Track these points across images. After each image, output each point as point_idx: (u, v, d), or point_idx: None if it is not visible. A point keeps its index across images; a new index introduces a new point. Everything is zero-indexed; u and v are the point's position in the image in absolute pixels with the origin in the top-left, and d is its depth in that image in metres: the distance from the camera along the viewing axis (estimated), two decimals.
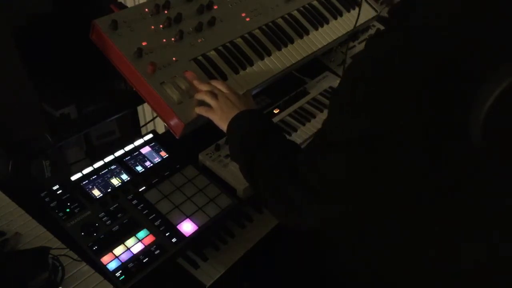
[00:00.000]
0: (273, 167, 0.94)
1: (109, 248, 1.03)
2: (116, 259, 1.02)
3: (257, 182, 0.98)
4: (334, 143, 0.83)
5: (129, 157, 1.23)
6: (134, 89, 1.19)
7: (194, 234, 1.10)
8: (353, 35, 1.65)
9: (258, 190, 0.99)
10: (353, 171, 0.81)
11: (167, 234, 1.08)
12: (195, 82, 1.17)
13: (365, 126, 0.78)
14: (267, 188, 0.94)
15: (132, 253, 1.03)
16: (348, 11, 1.60)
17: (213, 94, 1.14)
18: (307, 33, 1.46)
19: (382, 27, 1.76)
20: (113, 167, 1.19)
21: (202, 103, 1.16)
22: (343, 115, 0.82)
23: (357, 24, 1.45)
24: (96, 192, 1.13)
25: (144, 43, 1.19)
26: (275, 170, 0.93)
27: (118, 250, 1.03)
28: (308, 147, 0.94)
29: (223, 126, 1.10)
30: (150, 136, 1.29)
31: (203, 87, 1.16)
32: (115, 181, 1.16)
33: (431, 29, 0.75)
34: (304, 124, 1.38)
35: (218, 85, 1.17)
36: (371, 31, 1.76)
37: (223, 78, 1.24)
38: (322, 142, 0.88)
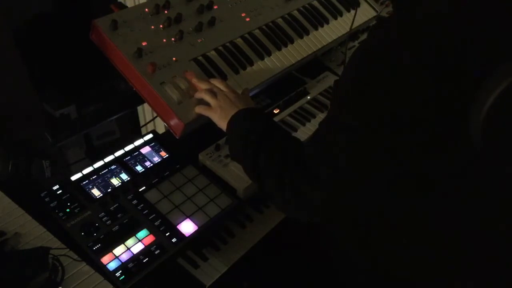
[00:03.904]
0: (278, 161, 0.94)
1: (109, 248, 1.03)
2: (116, 259, 1.02)
3: (261, 178, 0.97)
4: (336, 130, 0.84)
5: (129, 157, 1.23)
6: (134, 89, 1.19)
7: (194, 234, 1.10)
8: (353, 35, 1.66)
9: (262, 186, 0.99)
10: (354, 157, 0.81)
11: (167, 234, 1.08)
12: (194, 81, 1.17)
13: (363, 114, 0.78)
14: (273, 183, 0.94)
15: (132, 253, 1.03)
16: (348, 11, 1.60)
17: (213, 92, 1.14)
18: (307, 33, 1.46)
19: None
20: (113, 167, 1.19)
21: (201, 102, 1.16)
22: (344, 102, 0.84)
23: (357, 25, 1.45)
24: (96, 192, 1.13)
25: (144, 43, 1.19)
26: (280, 164, 0.93)
27: (118, 250, 1.03)
28: (313, 136, 0.94)
29: (223, 125, 1.10)
30: (150, 136, 1.29)
31: (202, 86, 1.16)
32: (115, 181, 1.16)
33: (431, 26, 0.76)
34: (304, 124, 1.38)
35: (217, 83, 1.16)
36: None
37: (223, 78, 1.24)
38: (327, 129, 0.88)
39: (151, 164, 1.22)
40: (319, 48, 1.46)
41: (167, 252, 1.05)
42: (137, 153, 1.24)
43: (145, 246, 1.05)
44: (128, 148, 1.25)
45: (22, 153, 1.17)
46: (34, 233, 1.00)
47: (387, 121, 0.77)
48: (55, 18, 1.27)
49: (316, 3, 1.55)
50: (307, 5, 1.53)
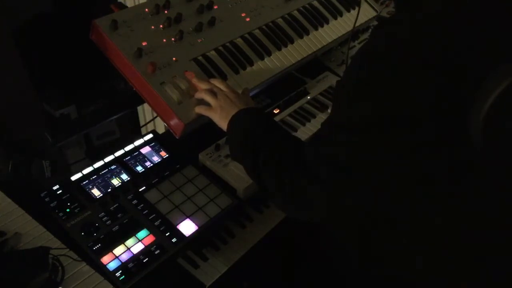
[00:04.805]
0: (278, 161, 0.94)
1: (109, 248, 1.03)
2: (116, 259, 1.02)
3: (262, 178, 0.97)
4: (337, 130, 0.84)
5: (129, 157, 1.23)
6: (134, 89, 1.19)
7: (194, 234, 1.10)
8: (353, 35, 1.65)
9: (262, 185, 0.99)
10: (354, 157, 0.81)
11: (167, 234, 1.08)
12: (194, 80, 1.17)
13: (363, 114, 0.79)
14: (273, 182, 0.94)
15: (132, 253, 1.03)
16: (348, 11, 1.60)
17: (213, 92, 1.14)
18: (307, 33, 1.46)
19: None
20: (113, 167, 1.19)
21: (201, 102, 1.16)
22: (345, 102, 0.84)
23: (357, 25, 1.45)
24: (96, 192, 1.13)
25: (144, 43, 1.19)
26: (280, 164, 0.93)
27: (118, 250, 1.03)
28: (314, 136, 0.95)
29: (223, 125, 1.10)
30: (150, 136, 1.29)
31: (202, 86, 1.16)
32: (115, 181, 1.16)
33: (431, 26, 0.76)
34: (304, 124, 1.38)
35: (217, 83, 1.17)
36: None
37: (223, 78, 1.24)
38: (328, 129, 0.88)
39: (151, 164, 1.22)
40: (319, 48, 1.46)
41: (167, 252, 1.05)
42: (137, 153, 1.24)
43: (145, 246, 1.05)
44: (128, 148, 1.25)
45: (22, 153, 1.17)
46: (34, 233, 1.00)
47: (387, 121, 0.77)
48: (55, 18, 1.27)
49: (316, 3, 1.55)
50: (307, 5, 1.53)
